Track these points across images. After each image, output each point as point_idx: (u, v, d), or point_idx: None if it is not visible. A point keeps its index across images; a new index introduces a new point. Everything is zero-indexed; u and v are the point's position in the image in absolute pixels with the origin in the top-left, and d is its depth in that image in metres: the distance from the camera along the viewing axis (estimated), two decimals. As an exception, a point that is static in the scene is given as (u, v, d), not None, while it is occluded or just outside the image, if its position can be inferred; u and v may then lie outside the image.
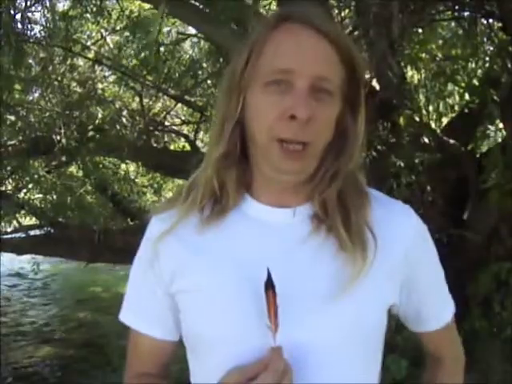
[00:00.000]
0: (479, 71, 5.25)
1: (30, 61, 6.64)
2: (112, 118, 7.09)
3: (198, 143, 8.34)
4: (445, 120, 5.81)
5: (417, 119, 4.85)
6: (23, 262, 9.55)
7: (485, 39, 5.20)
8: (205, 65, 7.31)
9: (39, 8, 5.16)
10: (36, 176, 7.44)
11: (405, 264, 1.23)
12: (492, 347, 4.33)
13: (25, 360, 7.53)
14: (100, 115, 7.00)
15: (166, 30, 7.57)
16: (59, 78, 6.92)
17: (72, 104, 6.84)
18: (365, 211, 1.21)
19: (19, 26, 4.73)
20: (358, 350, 1.18)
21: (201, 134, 8.41)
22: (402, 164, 4.55)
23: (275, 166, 1.16)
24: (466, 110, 5.21)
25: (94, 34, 7.76)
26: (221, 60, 6.40)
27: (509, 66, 4.56)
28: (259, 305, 1.11)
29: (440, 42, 5.76)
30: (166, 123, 8.26)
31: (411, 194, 4.61)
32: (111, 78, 7.88)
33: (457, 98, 5.95)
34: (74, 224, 7.49)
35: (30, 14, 4.63)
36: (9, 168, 7.08)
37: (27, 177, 7.50)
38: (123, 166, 8.42)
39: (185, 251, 1.23)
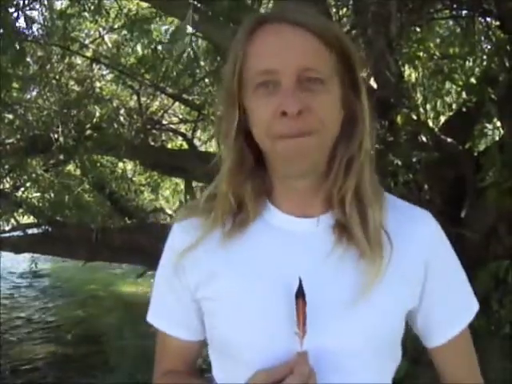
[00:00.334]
0: (477, 70, 5.25)
1: (28, 59, 6.63)
2: (110, 117, 7.09)
3: (196, 142, 8.35)
4: (442, 118, 5.81)
5: (414, 118, 4.85)
6: (21, 260, 9.54)
7: (482, 38, 5.21)
8: (202, 63, 7.30)
9: (37, 6, 5.14)
10: (34, 174, 7.44)
11: (422, 270, 1.24)
12: (490, 345, 4.33)
13: (22, 358, 7.53)
14: (98, 114, 7.00)
15: (163, 28, 7.58)
16: (57, 77, 6.91)
17: (70, 102, 6.84)
18: (382, 213, 1.21)
19: (17, 24, 4.72)
20: (378, 354, 1.21)
21: (198, 133, 8.43)
22: (400, 162, 4.55)
23: (286, 166, 1.16)
24: (464, 109, 5.21)
25: (91, 33, 7.76)
26: (218, 59, 6.39)
27: (506, 64, 4.56)
28: (287, 312, 1.15)
29: (438, 40, 5.77)
30: (164, 122, 8.26)
31: (409, 193, 4.61)
32: (109, 77, 7.88)
33: (454, 96, 5.95)
34: (71, 223, 7.48)
35: (28, 13, 4.61)
36: (6, 166, 7.08)
37: (25, 175, 7.50)
38: (121, 164, 8.42)
39: (209, 263, 1.25)
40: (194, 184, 7.93)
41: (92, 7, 6.26)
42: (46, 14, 5.80)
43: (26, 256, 8.49)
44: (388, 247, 1.18)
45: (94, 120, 6.91)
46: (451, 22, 5.79)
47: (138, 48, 7.45)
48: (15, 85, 6.64)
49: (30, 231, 7.85)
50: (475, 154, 5.26)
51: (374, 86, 4.91)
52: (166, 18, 7.07)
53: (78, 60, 7.51)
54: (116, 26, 7.28)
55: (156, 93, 7.59)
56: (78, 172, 8.13)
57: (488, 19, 5.00)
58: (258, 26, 1.14)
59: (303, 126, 1.10)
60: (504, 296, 4.40)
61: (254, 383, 1.14)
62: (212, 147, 7.77)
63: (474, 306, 1.35)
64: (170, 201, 10.38)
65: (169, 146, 8.79)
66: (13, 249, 7.69)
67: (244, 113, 1.19)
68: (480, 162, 4.64)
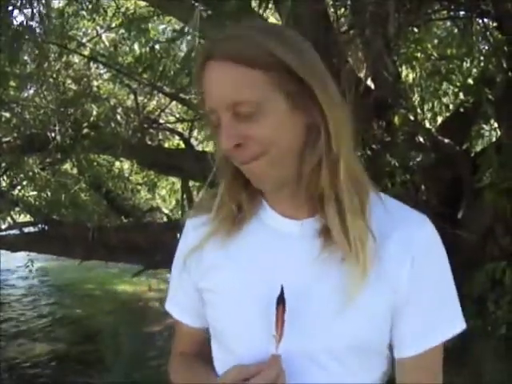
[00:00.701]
0: (474, 70, 5.26)
1: (26, 57, 6.62)
2: (107, 116, 7.08)
3: (193, 141, 8.34)
4: (440, 119, 5.81)
5: (412, 118, 4.85)
6: (18, 259, 9.54)
7: (480, 39, 5.21)
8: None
9: (35, 4, 5.13)
10: (30, 173, 7.44)
11: (406, 273, 1.22)
12: (486, 346, 4.34)
13: (18, 357, 7.52)
14: (95, 112, 6.99)
15: (161, 27, 7.58)
16: (54, 75, 6.91)
17: (67, 101, 6.84)
18: (366, 215, 1.20)
19: (15, 22, 4.71)
20: (363, 357, 1.22)
21: (195, 132, 8.42)
22: (397, 163, 4.56)
23: (256, 185, 1.23)
24: (461, 110, 5.22)
25: (89, 31, 7.75)
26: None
27: (504, 65, 4.56)
28: (268, 314, 1.20)
29: (435, 41, 5.77)
30: (161, 121, 8.24)
31: (406, 193, 4.61)
32: (106, 76, 7.87)
33: (452, 97, 5.95)
34: (68, 221, 7.49)
35: (26, 11, 4.61)
36: (3, 165, 7.08)
37: (21, 174, 7.50)
38: (117, 163, 8.43)
39: (211, 258, 1.34)
40: (191, 183, 7.92)
41: (90, 6, 6.26)
42: (44, 11, 5.79)
43: (22, 254, 8.48)
44: (373, 248, 1.18)
45: (91, 119, 6.90)
46: (449, 23, 5.79)
47: (136, 47, 7.46)
48: (12, 83, 6.63)
49: (26, 230, 7.85)
50: (472, 154, 5.27)
51: (372, 86, 4.91)
52: (163, 17, 7.08)
53: (76, 59, 7.50)
54: (113, 25, 7.28)
55: (153, 92, 7.58)
56: (75, 171, 8.13)
57: (486, 20, 5.00)
58: (205, 61, 1.17)
59: (248, 154, 1.15)
60: (500, 297, 4.40)
61: (225, 379, 1.20)
62: (209, 147, 7.77)
63: (456, 325, 1.29)
64: (167, 200, 10.37)
65: (166, 145, 8.79)
66: (9, 247, 7.69)
67: None
68: (477, 162, 4.64)
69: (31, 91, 7.28)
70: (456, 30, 5.51)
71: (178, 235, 1.47)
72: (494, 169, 4.40)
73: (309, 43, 1.21)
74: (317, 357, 1.20)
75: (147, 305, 10.65)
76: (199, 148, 8.31)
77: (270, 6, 5.13)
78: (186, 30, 3.31)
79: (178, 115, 8.69)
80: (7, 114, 6.84)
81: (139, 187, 9.70)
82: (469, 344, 4.48)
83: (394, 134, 4.72)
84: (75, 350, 7.84)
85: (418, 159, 4.74)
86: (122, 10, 6.97)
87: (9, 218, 7.91)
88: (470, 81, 5.09)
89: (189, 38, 3.38)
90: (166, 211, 9.30)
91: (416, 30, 5.00)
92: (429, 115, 5.69)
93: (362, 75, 5.09)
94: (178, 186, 9.14)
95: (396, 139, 4.71)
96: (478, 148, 5.74)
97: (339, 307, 1.17)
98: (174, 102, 8.09)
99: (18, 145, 6.82)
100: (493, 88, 4.49)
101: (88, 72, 7.50)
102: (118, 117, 7.24)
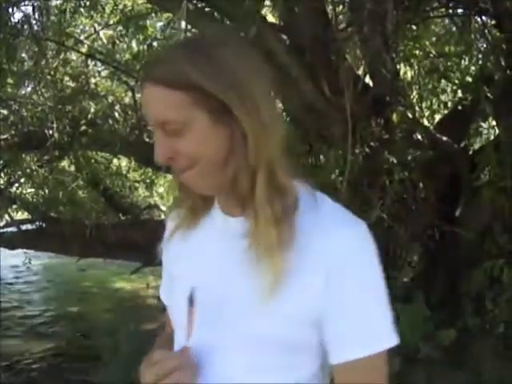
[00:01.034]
0: (473, 68, 5.26)
1: (23, 55, 6.62)
2: (104, 113, 7.08)
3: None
4: (438, 117, 5.82)
5: (410, 116, 4.85)
6: (15, 256, 9.53)
7: (478, 36, 5.21)
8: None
9: (33, 2, 5.13)
10: (28, 170, 7.43)
11: (321, 281, 1.20)
12: (484, 344, 4.34)
13: (15, 355, 7.52)
14: (92, 110, 6.99)
15: (159, 24, 7.57)
16: (52, 73, 6.90)
17: (64, 98, 6.84)
18: (281, 221, 1.22)
19: (12, 19, 4.71)
20: (274, 356, 1.25)
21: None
22: (395, 160, 4.56)
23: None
24: (459, 107, 5.22)
25: (87, 29, 7.74)
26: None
27: (502, 63, 4.56)
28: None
29: (434, 38, 5.77)
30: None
31: (404, 191, 4.61)
32: (104, 73, 7.87)
33: (450, 95, 5.95)
34: (66, 219, 7.48)
35: (23, 8, 4.60)
36: (1, 162, 7.07)
37: (19, 171, 7.50)
38: (115, 160, 8.42)
39: (176, 249, 1.45)
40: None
41: (87, 3, 6.25)
42: (42, 9, 5.79)
43: (19, 252, 8.47)
44: (288, 256, 1.20)
45: (89, 116, 6.90)
46: (447, 21, 5.79)
47: (133, 44, 7.45)
48: (10, 80, 6.62)
49: (24, 227, 7.84)
50: (470, 152, 5.27)
51: (370, 83, 4.91)
52: (161, 14, 7.06)
53: (73, 56, 7.50)
54: (111, 22, 7.27)
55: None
56: (73, 168, 8.13)
57: (484, 18, 5.00)
58: (142, 83, 1.26)
59: (178, 165, 1.25)
60: (498, 295, 4.40)
61: (142, 360, 1.31)
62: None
63: (383, 340, 1.24)
64: (165, 197, 10.36)
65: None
66: (7, 245, 7.68)
67: None
68: (475, 160, 4.64)
69: (29, 88, 7.29)
70: (454, 28, 5.51)
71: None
72: (492, 167, 4.41)
73: (247, 54, 1.26)
74: (228, 351, 1.27)
75: (145, 302, 10.64)
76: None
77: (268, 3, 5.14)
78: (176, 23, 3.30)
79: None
80: (5, 112, 6.84)
81: (137, 184, 9.70)
82: (467, 342, 4.47)
83: (393, 132, 4.72)
84: (73, 347, 7.83)
85: (417, 157, 4.75)
86: (120, 7, 6.97)
87: (6, 216, 7.91)
88: (469, 79, 5.09)
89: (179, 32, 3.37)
90: (164, 208, 9.30)
91: (414, 27, 5.00)
92: (427, 113, 5.70)
93: (360, 72, 5.09)
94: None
95: (394, 136, 4.71)
96: (476, 146, 5.74)
97: (251, 307, 1.22)
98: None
99: (15, 142, 6.81)
100: (491, 86, 4.49)
101: (86, 69, 7.50)
102: (116, 114, 7.24)
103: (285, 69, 4.54)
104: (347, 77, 4.41)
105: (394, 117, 4.69)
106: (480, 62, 5.10)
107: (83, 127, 6.80)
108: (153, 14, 7.12)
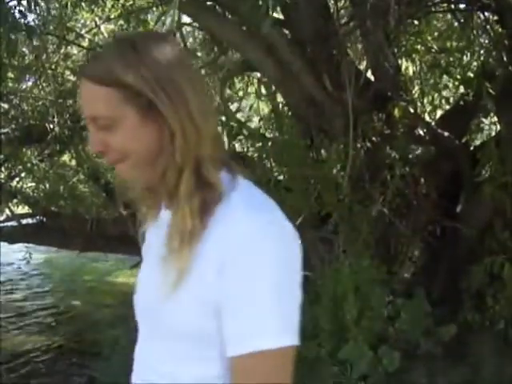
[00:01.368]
0: (474, 64, 5.24)
1: (24, 49, 6.60)
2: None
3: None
4: (439, 112, 5.80)
5: (411, 111, 4.83)
6: (16, 250, 9.53)
7: (480, 32, 5.19)
8: (199, 54, 7.29)
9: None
10: (29, 165, 7.43)
11: (214, 272, 1.17)
12: (485, 340, 4.33)
13: (15, 349, 7.53)
14: (93, 104, 6.97)
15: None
16: (53, 67, 6.90)
17: (65, 92, 6.83)
18: (196, 216, 1.23)
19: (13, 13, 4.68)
20: (186, 347, 1.27)
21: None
22: (397, 156, 4.55)
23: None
24: (461, 103, 5.21)
25: (88, 23, 7.73)
26: (215, 49, 6.38)
27: (504, 59, 4.55)
28: None
29: (435, 34, 5.75)
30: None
31: (405, 186, 4.60)
32: (105, 67, 7.84)
33: (452, 90, 5.94)
34: (66, 213, 7.48)
35: (24, 2, 4.59)
36: (1, 156, 7.07)
37: (20, 165, 7.49)
38: (116, 155, 8.40)
39: (147, 242, 1.48)
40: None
41: (89, -3, 6.24)
42: (43, 3, 5.78)
43: (20, 246, 8.47)
44: (201, 242, 1.21)
45: (90, 110, 6.88)
46: (449, 16, 5.77)
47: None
48: (10, 74, 6.62)
49: (24, 221, 7.84)
50: (472, 148, 5.26)
51: (372, 78, 4.90)
52: (162, 8, 7.04)
53: (74, 50, 7.49)
54: (112, 16, 7.25)
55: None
56: (74, 162, 8.12)
57: (486, 13, 4.98)
58: (80, 78, 1.31)
59: (110, 159, 1.29)
60: (499, 292, 4.40)
61: None
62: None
63: (264, 339, 1.13)
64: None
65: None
66: (7, 239, 7.69)
67: None
68: (476, 156, 4.63)
69: (30, 83, 7.28)
70: (456, 23, 5.49)
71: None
72: (493, 163, 4.40)
73: (177, 53, 1.29)
74: (151, 340, 1.36)
75: (145, 297, 10.66)
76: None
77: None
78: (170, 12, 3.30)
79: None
80: (5, 106, 6.83)
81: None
82: (467, 338, 4.47)
83: (394, 127, 4.71)
84: (72, 341, 7.84)
85: (418, 152, 4.74)
86: (121, 1, 6.94)
87: (7, 210, 7.90)
88: (470, 74, 5.08)
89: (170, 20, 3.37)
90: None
91: (416, 22, 4.98)
92: (429, 108, 5.68)
93: (362, 67, 5.08)
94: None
95: (396, 132, 4.70)
96: (478, 142, 5.73)
97: (160, 299, 1.25)
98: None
99: (16, 136, 6.81)
100: (493, 82, 4.48)
101: (87, 63, 7.48)
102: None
103: (286, 63, 4.54)
104: (349, 71, 4.40)
105: (396, 112, 4.68)
106: (482, 58, 5.09)
107: (84, 121, 6.79)
108: (154, 8, 7.10)
